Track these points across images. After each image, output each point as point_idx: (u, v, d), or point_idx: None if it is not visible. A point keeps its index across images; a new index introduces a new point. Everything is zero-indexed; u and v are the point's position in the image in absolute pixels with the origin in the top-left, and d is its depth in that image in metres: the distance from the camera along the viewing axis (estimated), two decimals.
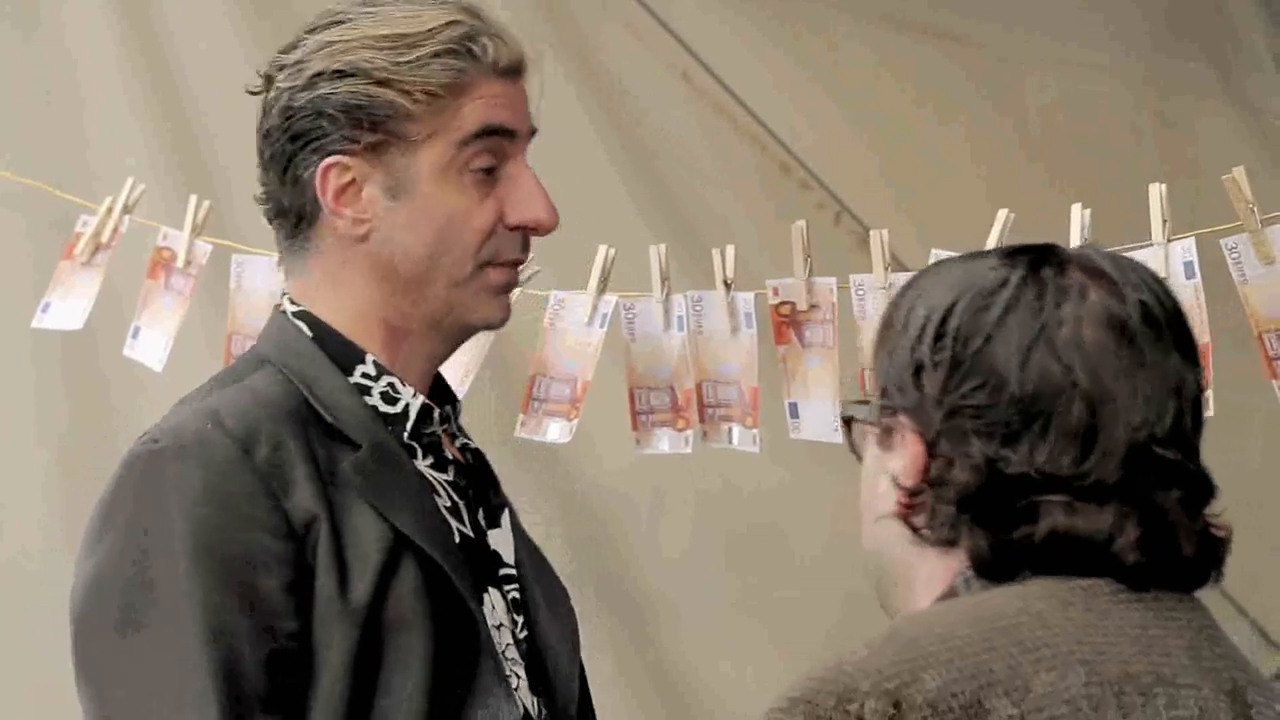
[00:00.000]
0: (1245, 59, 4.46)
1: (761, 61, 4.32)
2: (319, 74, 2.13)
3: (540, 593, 2.25)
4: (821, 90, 4.35)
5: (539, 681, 2.19)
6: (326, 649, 2.04)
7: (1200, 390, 1.61)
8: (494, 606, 2.17)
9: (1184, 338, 1.61)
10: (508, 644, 2.16)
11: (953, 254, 1.73)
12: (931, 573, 1.59)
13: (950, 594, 1.57)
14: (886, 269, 2.70)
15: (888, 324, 1.65)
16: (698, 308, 2.81)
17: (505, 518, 2.26)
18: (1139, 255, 2.51)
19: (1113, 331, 1.55)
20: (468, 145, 2.13)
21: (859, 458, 1.68)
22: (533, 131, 2.21)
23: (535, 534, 2.44)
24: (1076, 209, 2.60)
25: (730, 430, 2.80)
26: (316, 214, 2.15)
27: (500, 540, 2.24)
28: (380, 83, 2.11)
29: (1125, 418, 1.54)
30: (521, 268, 2.21)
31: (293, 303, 2.20)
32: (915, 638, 1.48)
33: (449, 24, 2.14)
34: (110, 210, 3.24)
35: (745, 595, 4.13)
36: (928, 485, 1.57)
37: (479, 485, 2.25)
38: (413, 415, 2.17)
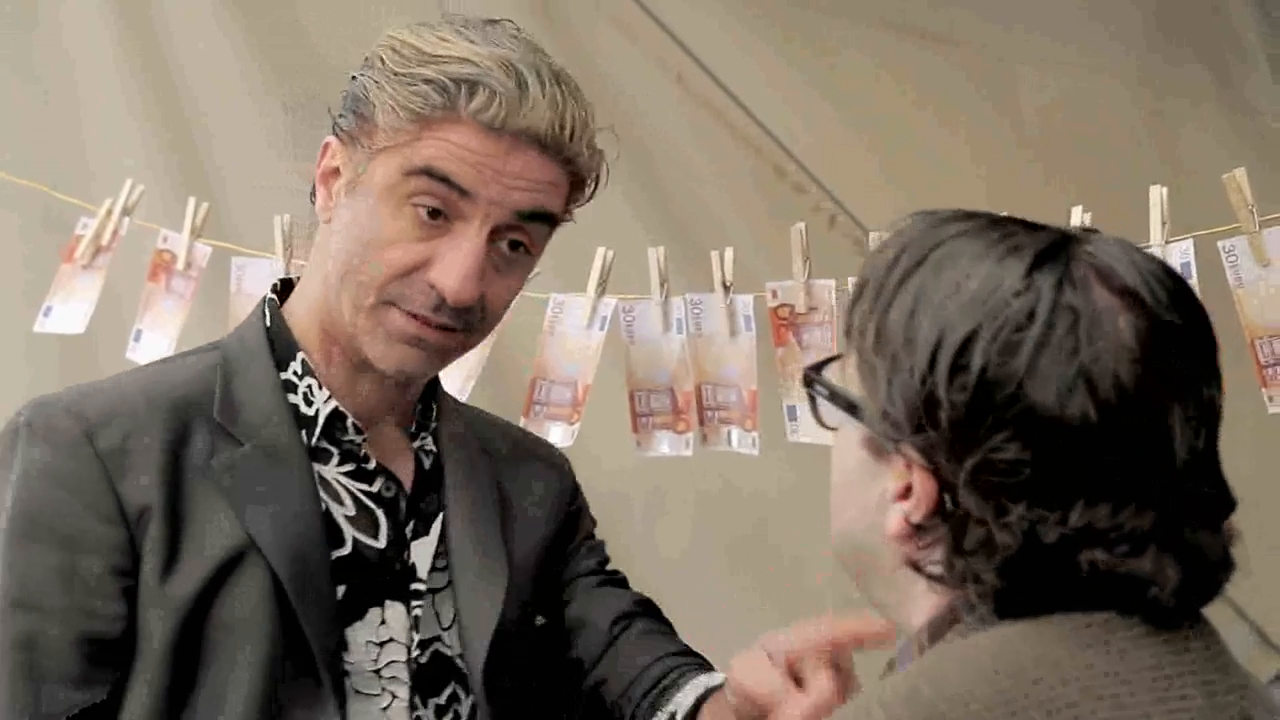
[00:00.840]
0: (1241, 61, 4.47)
1: (757, 64, 4.33)
2: (364, 60, 2.12)
3: (473, 607, 2.20)
4: (816, 92, 4.36)
5: (452, 702, 2.18)
6: (146, 638, 2.04)
7: (1220, 395, 1.52)
8: (385, 621, 2.15)
9: (1209, 347, 1.51)
10: (392, 661, 2.14)
11: (933, 213, 1.58)
12: (929, 588, 1.53)
13: (950, 618, 1.51)
14: None
15: (879, 321, 1.51)
16: (697, 310, 2.81)
17: (437, 525, 2.22)
18: None
19: (1150, 366, 1.45)
20: (410, 178, 2.04)
21: (823, 425, 1.61)
22: (532, 216, 2.07)
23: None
24: (1077, 211, 2.61)
25: (730, 433, 2.80)
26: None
27: (421, 552, 2.20)
28: (378, 84, 2.09)
29: (1162, 459, 1.45)
30: (434, 330, 2.06)
31: (275, 290, 2.22)
32: (933, 700, 1.41)
33: (461, 61, 2.05)
34: (110, 212, 3.24)
35: (743, 596, 4.13)
36: (942, 524, 1.49)
37: (422, 492, 2.22)
38: (321, 420, 2.15)
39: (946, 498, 1.48)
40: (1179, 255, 2.51)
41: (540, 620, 2.31)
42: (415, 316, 2.05)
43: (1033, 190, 4.00)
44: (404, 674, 2.15)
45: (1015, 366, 1.44)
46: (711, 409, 2.79)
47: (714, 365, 2.79)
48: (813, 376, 1.61)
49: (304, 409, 2.16)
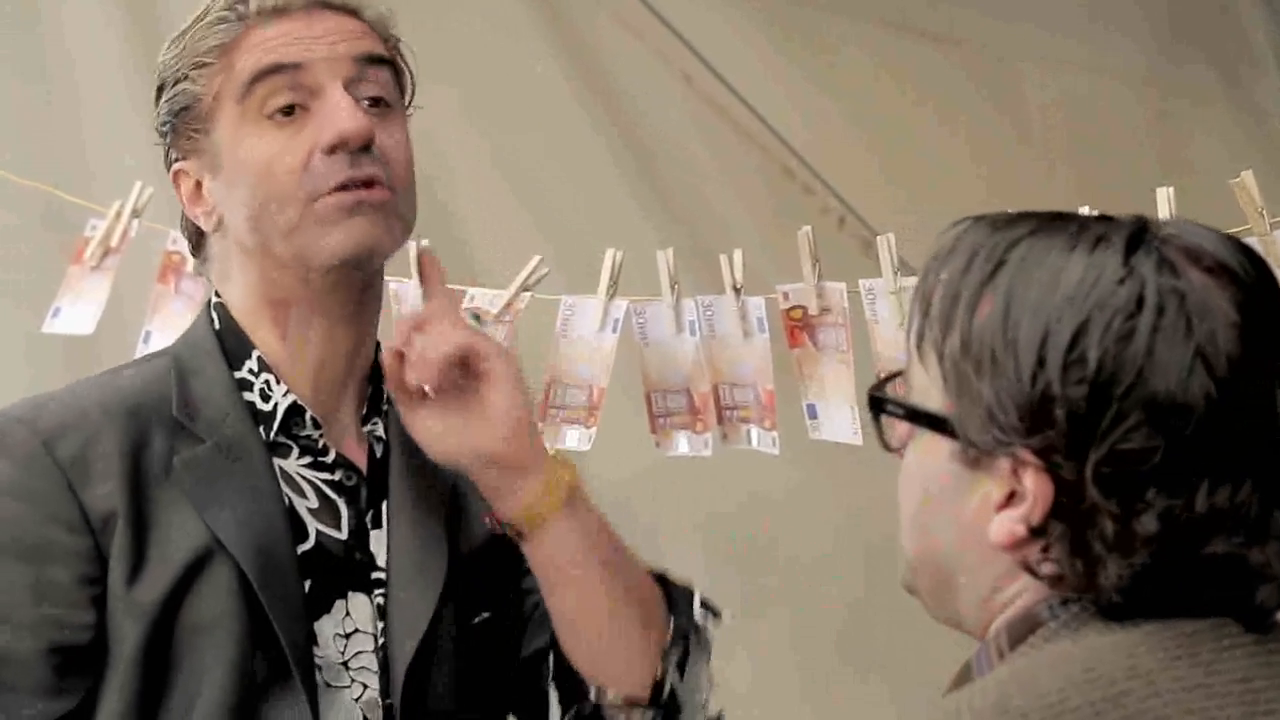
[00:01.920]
0: (1250, 62, 4.47)
1: (764, 64, 4.33)
2: (155, 97, 2.21)
3: (402, 602, 2.19)
4: (824, 93, 4.36)
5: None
6: (117, 643, 2.05)
7: None
8: (349, 613, 2.15)
9: None
10: (359, 651, 2.14)
11: (986, 217, 1.57)
12: (1017, 592, 1.52)
13: (1031, 621, 1.50)
14: (896, 273, 2.69)
15: (964, 327, 1.50)
16: (709, 312, 2.80)
17: (385, 516, 2.21)
18: None
19: (1256, 338, 1.45)
20: (249, 96, 2.11)
21: (888, 449, 1.59)
22: (366, 59, 2.15)
23: None
24: (1084, 212, 2.60)
25: (749, 431, 2.79)
26: (194, 224, 2.21)
27: (380, 541, 2.20)
28: (175, 81, 2.17)
29: (1272, 433, 1.45)
30: (365, 188, 2.10)
31: (217, 295, 2.23)
32: (1024, 709, 1.39)
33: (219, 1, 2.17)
34: (119, 214, 3.24)
35: (755, 598, 4.13)
36: (1060, 524, 1.46)
37: (377, 481, 2.22)
38: (279, 414, 2.16)
39: (1063, 497, 1.46)
40: None
41: (483, 616, 2.26)
42: (342, 189, 2.09)
43: (1039, 192, 3.99)
44: (372, 664, 2.15)
45: (1133, 354, 1.43)
46: (730, 408, 2.79)
47: (729, 366, 2.79)
48: (881, 397, 1.58)
49: (261, 405, 2.16)
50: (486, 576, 2.26)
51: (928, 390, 1.54)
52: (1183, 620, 1.46)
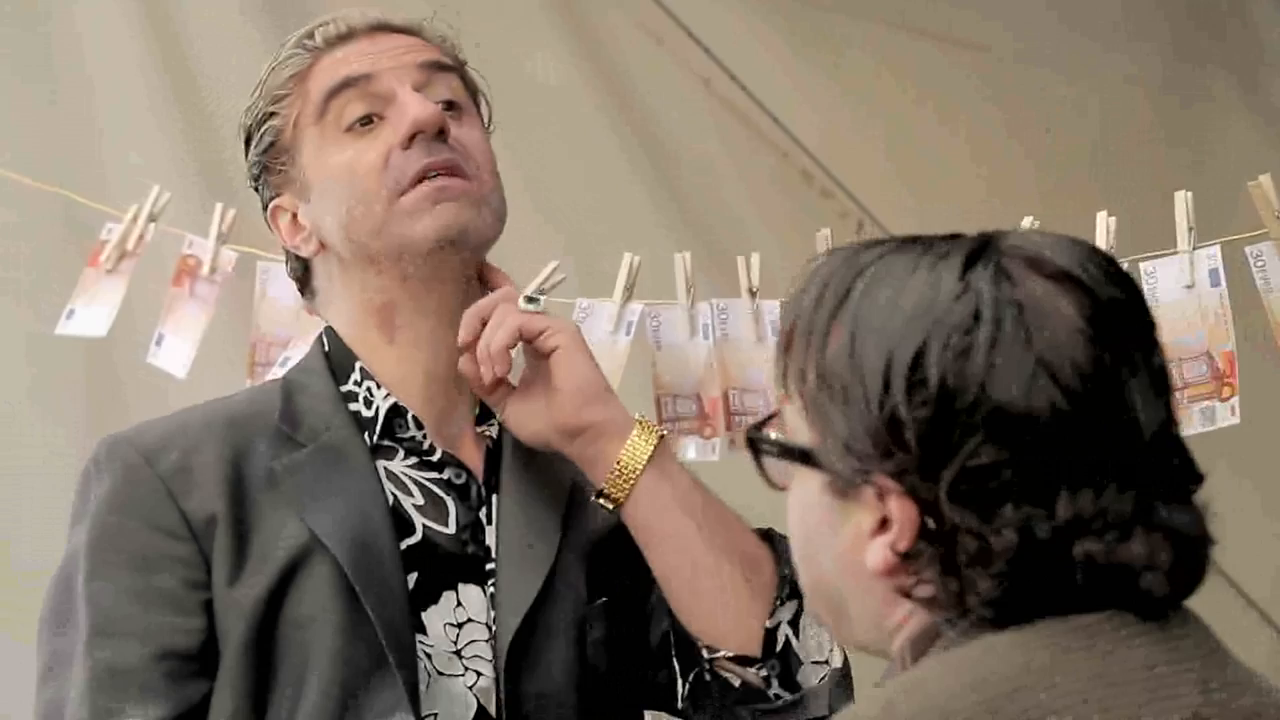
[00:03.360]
0: (1267, 65, 4.46)
1: (784, 69, 4.32)
2: (245, 152, 2.33)
3: (509, 595, 2.22)
4: (843, 98, 4.36)
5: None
6: (225, 642, 2.13)
7: (1167, 364, 1.52)
8: (461, 603, 2.20)
9: (1148, 318, 1.51)
10: (473, 640, 2.19)
11: (845, 247, 1.56)
12: (906, 614, 1.51)
13: (930, 633, 1.49)
14: None
15: (818, 360, 1.51)
16: (723, 316, 2.80)
17: (495, 509, 2.26)
18: (1164, 263, 2.51)
19: (1103, 344, 1.45)
20: (325, 114, 2.22)
21: (772, 485, 1.59)
22: (431, 65, 2.26)
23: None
24: (1101, 217, 2.59)
25: None
26: (298, 256, 2.31)
27: (494, 537, 2.25)
28: (260, 124, 2.28)
29: (1131, 434, 1.45)
30: (446, 174, 2.20)
31: (328, 324, 2.31)
32: (910, 714, 1.39)
33: (288, 41, 2.30)
34: (136, 218, 3.24)
35: None
36: (929, 545, 1.46)
37: (491, 478, 2.28)
38: (381, 416, 2.22)
39: (928, 518, 1.45)
40: (1206, 261, 2.50)
41: (601, 601, 2.29)
42: (424, 179, 2.19)
43: (1058, 197, 3.99)
44: (487, 652, 2.19)
45: (973, 370, 1.43)
46: (739, 414, 2.79)
47: (740, 370, 2.79)
48: (756, 437, 1.58)
49: (365, 412, 2.24)
50: (608, 563, 2.30)
51: (797, 426, 1.55)
52: (1078, 615, 1.44)
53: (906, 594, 1.49)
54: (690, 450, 2.81)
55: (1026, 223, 2.60)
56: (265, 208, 2.32)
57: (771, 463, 1.57)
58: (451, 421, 2.28)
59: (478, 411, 2.31)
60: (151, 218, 3.24)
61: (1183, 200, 2.55)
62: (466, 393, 2.28)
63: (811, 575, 1.59)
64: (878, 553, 1.48)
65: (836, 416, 1.48)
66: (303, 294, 2.37)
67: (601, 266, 2.94)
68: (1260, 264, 2.49)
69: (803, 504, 1.56)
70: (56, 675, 2.15)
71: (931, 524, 1.45)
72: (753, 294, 2.80)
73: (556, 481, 2.30)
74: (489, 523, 2.25)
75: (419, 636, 2.16)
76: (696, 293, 2.83)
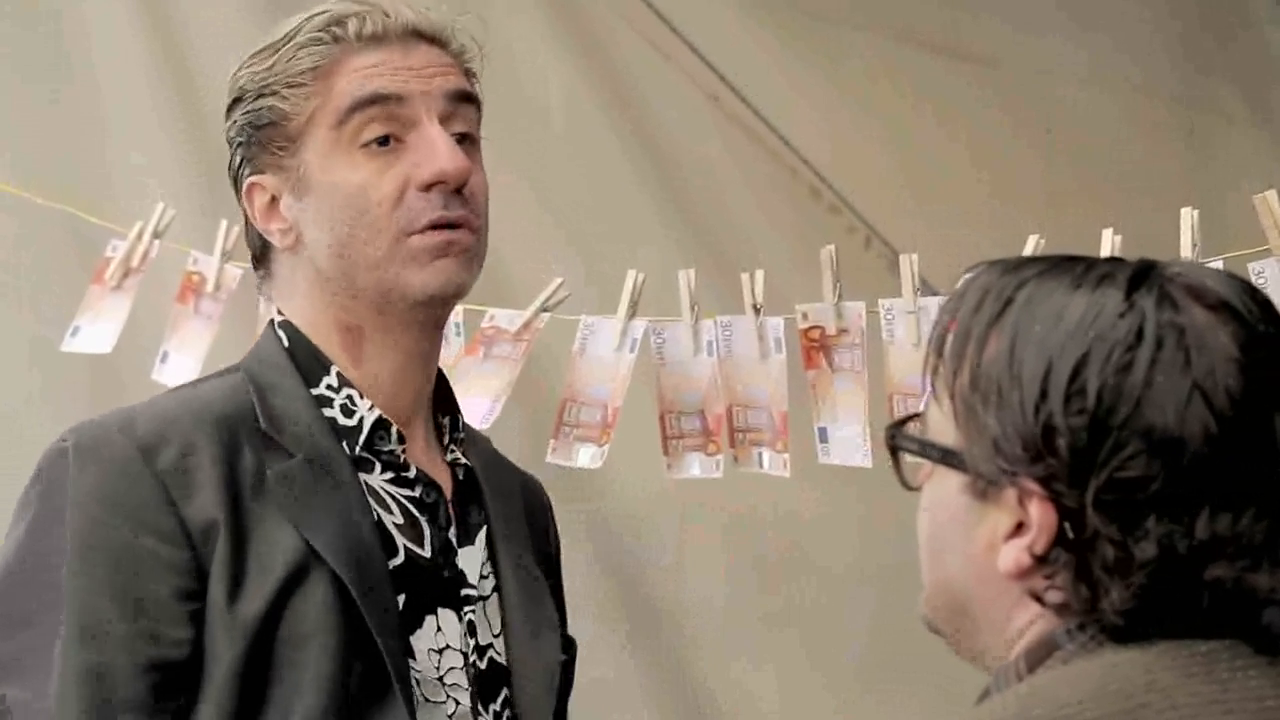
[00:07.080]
0: (1274, 80, 4.45)
1: (791, 85, 4.33)
2: (228, 107, 2.21)
3: (522, 617, 2.23)
4: (851, 114, 4.36)
5: (505, 707, 2.20)
6: (215, 659, 2.03)
7: None
8: (441, 628, 2.16)
9: None
10: (451, 667, 2.16)
11: (1002, 261, 1.62)
12: (1029, 621, 1.55)
13: (1048, 646, 1.53)
14: (916, 293, 2.69)
15: (974, 363, 1.55)
16: (727, 332, 2.80)
17: (482, 536, 2.24)
18: None
19: (1255, 375, 1.50)
20: (345, 123, 2.13)
21: (907, 486, 1.63)
22: (458, 96, 2.17)
23: (564, 557, 2.44)
24: (1108, 234, 2.60)
25: (760, 455, 2.79)
26: (263, 236, 2.22)
27: (469, 560, 2.21)
28: (259, 95, 2.17)
29: (1273, 464, 1.50)
30: (458, 228, 2.14)
31: (280, 313, 2.22)
32: (1047, 717, 1.44)
33: (312, 17, 2.17)
34: (140, 235, 3.25)
35: (774, 617, 4.12)
36: (1065, 551, 1.50)
37: (462, 502, 2.24)
38: (366, 429, 2.16)
39: (1066, 524, 1.50)
40: None
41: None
42: (434, 228, 2.12)
43: (1064, 212, 3.99)
44: (463, 680, 2.16)
45: (1131, 385, 1.48)
46: (742, 431, 2.79)
47: (744, 387, 2.79)
48: (897, 434, 1.63)
49: (343, 420, 2.16)
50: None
51: (942, 427, 1.59)
52: (1196, 641, 1.49)
53: (1038, 597, 1.53)
54: (694, 467, 2.81)
55: (1032, 241, 2.60)
56: (237, 174, 2.22)
57: (911, 461, 1.62)
58: (414, 441, 2.22)
59: (445, 439, 2.26)
60: (156, 234, 3.24)
61: (1188, 217, 2.56)
62: (424, 416, 2.24)
63: (937, 575, 1.62)
64: (1011, 554, 1.53)
65: (988, 419, 1.53)
66: (255, 267, 2.28)
67: (607, 282, 2.94)
68: (1262, 280, 2.49)
69: (937, 503, 1.60)
70: (15, 676, 2.03)
71: (1070, 530, 1.50)
72: (756, 310, 2.80)
73: (519, 517, 2.30)
74: (460, 545, 2.21)
75: (409, 661, 2.11)
76: (703, 308, 2.83)
